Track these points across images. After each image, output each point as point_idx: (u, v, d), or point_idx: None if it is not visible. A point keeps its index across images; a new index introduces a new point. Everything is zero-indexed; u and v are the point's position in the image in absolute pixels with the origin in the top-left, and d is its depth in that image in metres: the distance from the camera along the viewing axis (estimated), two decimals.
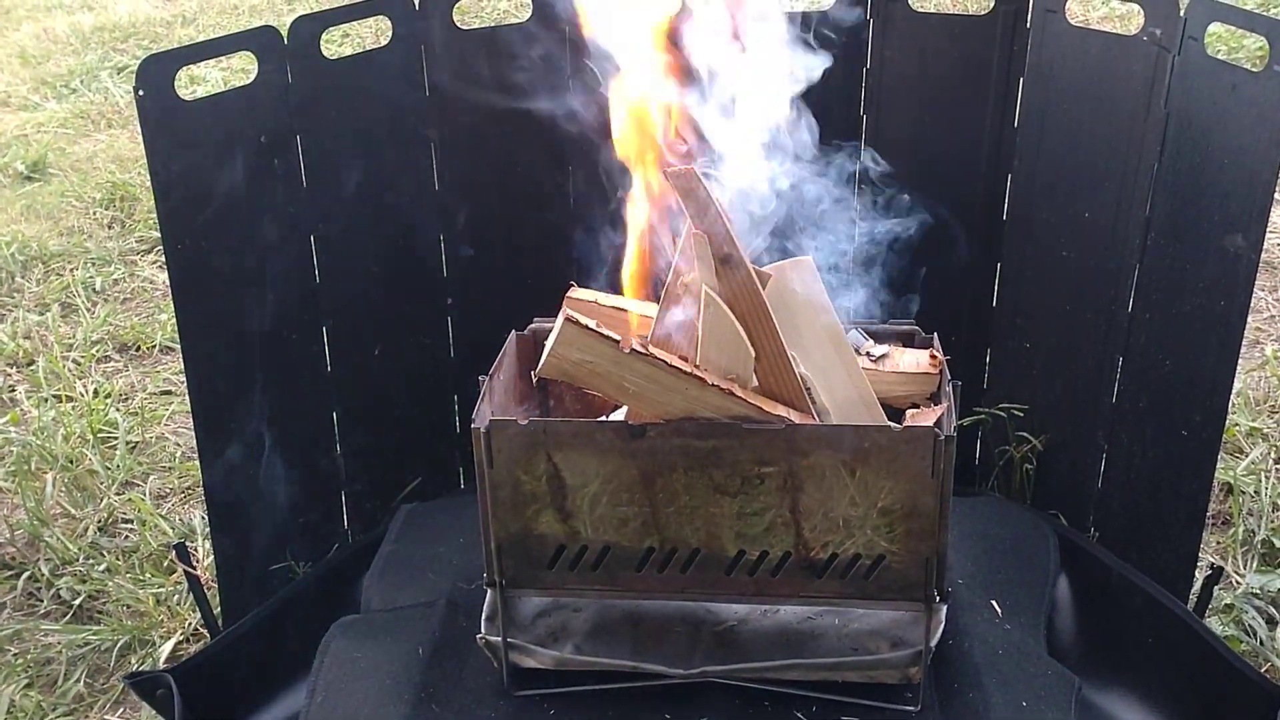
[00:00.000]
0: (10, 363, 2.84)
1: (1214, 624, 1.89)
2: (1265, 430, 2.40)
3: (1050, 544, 1.86)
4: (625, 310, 1.64)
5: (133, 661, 1.97)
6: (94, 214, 3.56)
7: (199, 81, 4.05)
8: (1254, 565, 2.06)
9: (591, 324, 1.42)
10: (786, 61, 1.61)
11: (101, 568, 2.15)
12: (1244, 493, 2.20)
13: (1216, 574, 1.76)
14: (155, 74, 1.58)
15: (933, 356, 1.62)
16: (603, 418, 1.61)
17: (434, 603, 1.74)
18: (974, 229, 1.98)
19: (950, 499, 1.45)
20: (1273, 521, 2.15)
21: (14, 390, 2.74)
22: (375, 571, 1.84)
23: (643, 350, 1.43)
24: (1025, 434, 2.00)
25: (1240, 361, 2.23)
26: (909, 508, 1.45)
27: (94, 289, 3.16)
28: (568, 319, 1.42)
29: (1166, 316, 1.75)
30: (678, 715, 1.53)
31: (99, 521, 2.28)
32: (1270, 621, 1.94)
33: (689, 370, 1.43)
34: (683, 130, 1.56)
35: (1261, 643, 1.89)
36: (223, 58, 1.84)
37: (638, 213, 1.60)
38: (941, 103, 1.93)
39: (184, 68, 1.63)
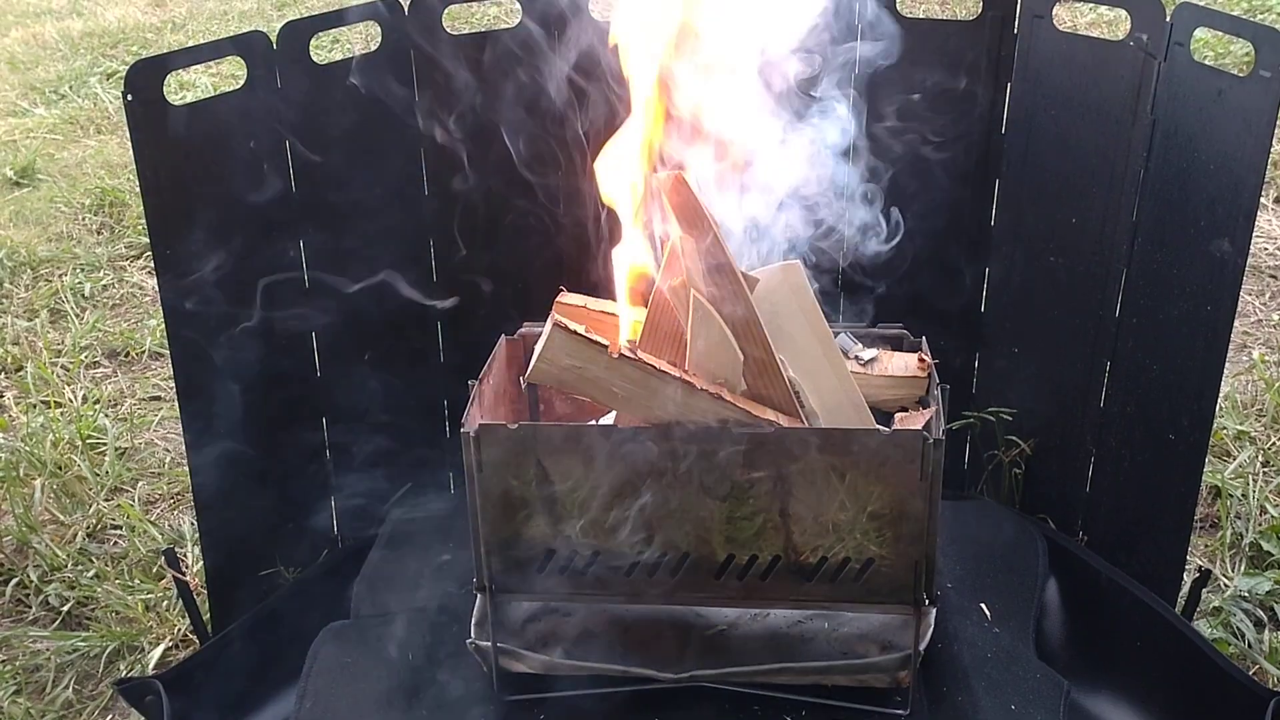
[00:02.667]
0: None
1: (1202, 627, 1.90)
2: (1252, 434, 2.41)
3: (1039, 547, 1.86)
4: (614, 315, 1.65)
5: (122, 668, 1.96)
6: (83, 220, 3.56)
7: (188, 87, 4.05)
8: (1242, 568, 2.07)
9: (580, 329, 1.42)
10: (776, 67, 1.61)
11: (90, 574, 2.15)
12: (1232, 496, 2.21)
13: (1204, 577, 1.77)
14: (144, 79, 1.58)
15: (921, 360, 1.62)
16: (592, 422, 1.62)
17: (424, 608, 1.74)
18: (962, 234, 1.98)
19: (939, 503, 1.45)
20: (1260, 524, 2.16)
21: (2, 396, 2.73)
22: (365, 577, 1.83)
23: (631, 355, 1.43)
24: (1014, 438, 2.01)
25: (1228, 365, 2.24)
26: (898, 511, 1.45)
27: (83, 295, 3.15)
28: (556, 324, 1.42)
29: (1154, 321, 1.76)
30: (667, 719, 1.53)
31: (88, 528, 2.28)
32: (1258, 624, 1.94)
33: (677, 375, 1.43)
34: (672, 132, 1.56)
35: (1249, 645, 1.90)
36: (212, 64, 1.84)
37: (628, 217, 1.60)
38: (929, 108, 1.93)
39: (173, 74, 1.63)
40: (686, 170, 1.52)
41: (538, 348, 1.44)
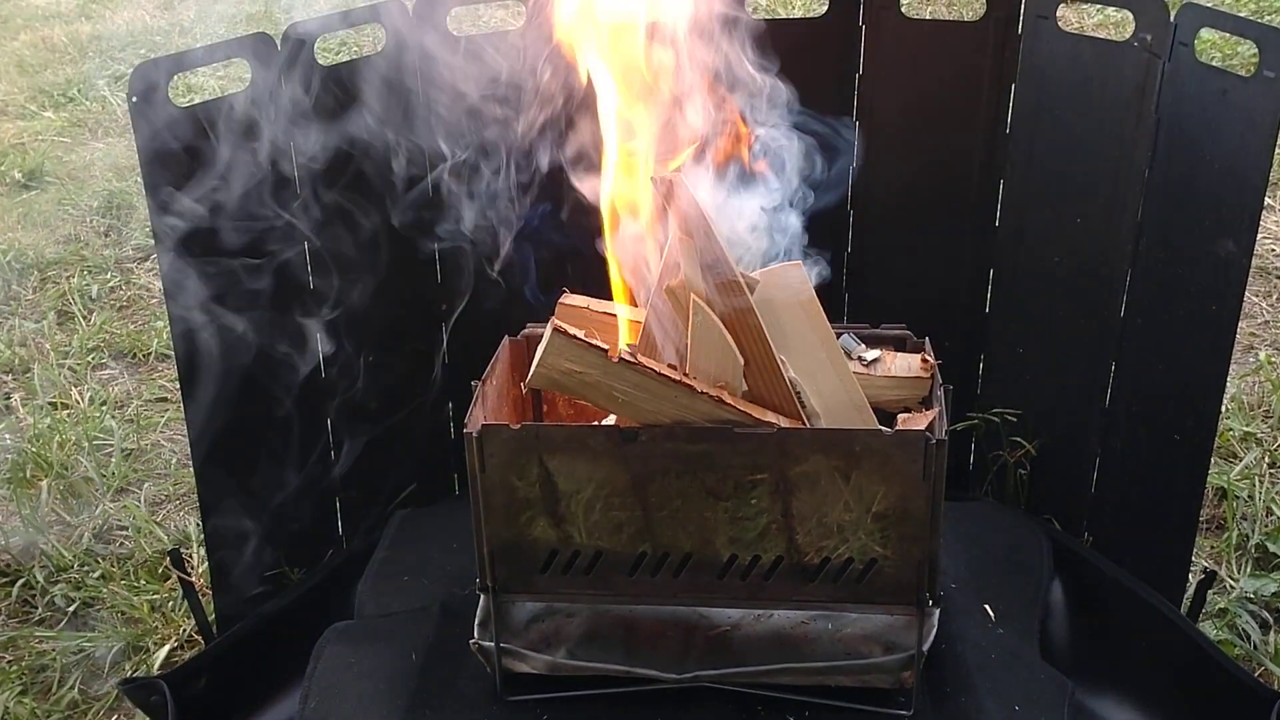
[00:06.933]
0: (6, 370, 2.84)
1: (1207, 628, 1.89)
2: (1259, 435, 2.40)
3: (1043, 548, 1.86)
4: (616, 316, 1.65)
5: (127, 668, 1.97)
6: (90, 222, 3.57)
7: (196, 90, 4.05)
8: (1248, 569, 2.06)
9: (579, 334, 1.42)
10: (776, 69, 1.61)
11: (96, 574, 2.16)
12: (1238, 497, 2.21)
13: (1210, 578, 1.77)
14: (148, 81, 1.59)
15: (924, 361, 1.62)
16: (595, 423, 1.62)
17: (427, 608, 1.74)
18: (967, 234, 1.98)
19: (942, 503, 1.45)
20: (1266, 526, 2.15)
21: (10, 397, 2.74)
22: (369, 577, 1.84)
23: (631, 359, 1.43)
24: (1019, 439, 2.00)
25: (1234, 367, 2.23)
26: (901, 512, 1.45)
27: (90, 296, 3.16)
28: (555, 329, 1.42)
29: (1158, 321, 1.76)
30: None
31: (94, 528, 2.28)
32: (1263, 626, 1.94)
33: (677, 378, 1.43)
34: (672, 135, 1.56)
35: (1255, 647, 1.90)
36: (220, 68, 1.85)
37: (628, 218, 1.60)
38: (934, 109, 1.94)
39: (181, 77, 1.63)
40: (683, 171, 1.52)
41: (537, 353, 1.44)
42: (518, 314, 1.71)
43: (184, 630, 2.00)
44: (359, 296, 1.89)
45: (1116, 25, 4.18)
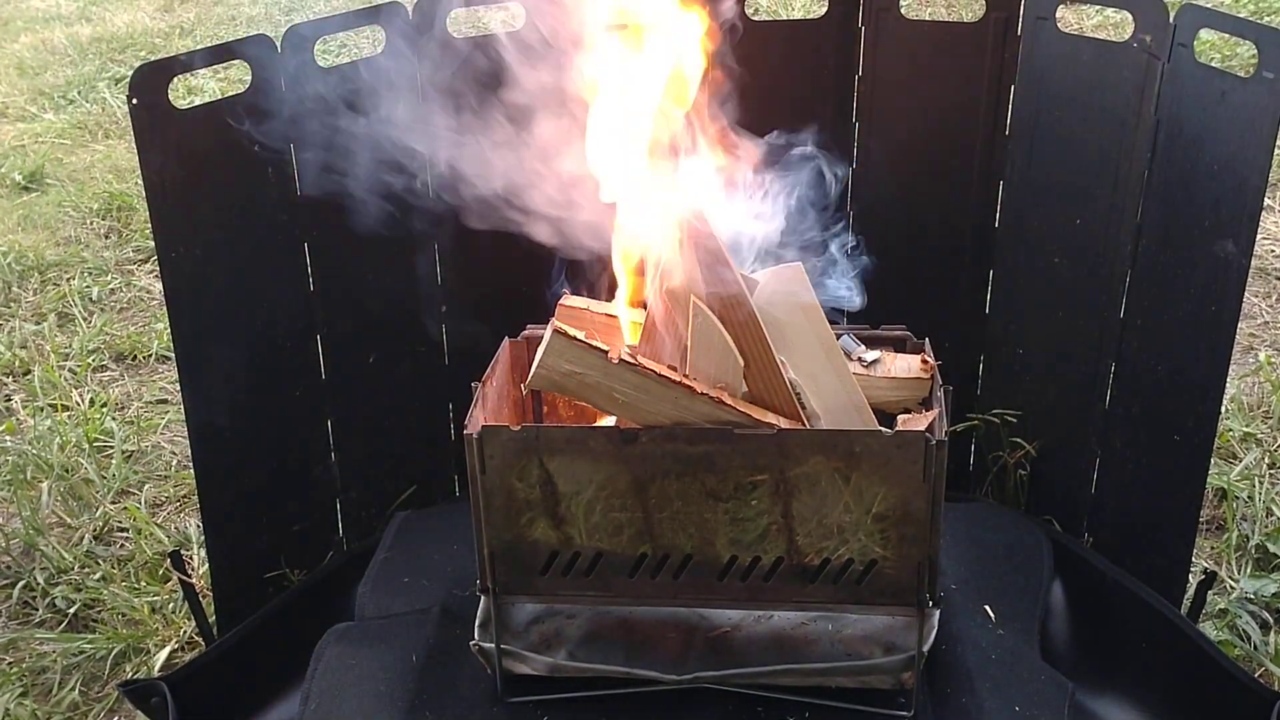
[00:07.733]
0: (7, 372, 2.84)
1: (1208, 629, 1.89)
2: (1259, 435, 2.40)
3: (1044, 549, 1.86)
4: (616, 318, 1.65)
5: (127, 670, 1.97)
6: (91, 224, 3.57)
7: (196, 92, 4.06)
8: (1248, 570, 2.06)
9: (579, 335, 1.42)
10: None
11: (97, 576, 2.16)
12: (1238, 498, 2.21)
13: (1210, 579, 1.77)
14: (149, 83, 1.59)
15: (924, 362, 1.62)
16: (595, 424, 1.62)
17: (428, 610, 1.74)
18: (966, 236, 1.98)
19: (942, 504, 1.45)
20: (1266, 526, 2.15)
21: (10, 400, 2.74)
22: (369, 579, 1.84)
23: (631, 360, 1.43)
24: (1019, 440, 2.00)
25: (1234, 367, 2.23)
26: (901, 513, 1.45)
27: (90, 298, 3.17)
28: (556, 330, 1.42)
29: (1158, 322, 1.76)
30: None
31: (94, 530, 2.29)
32: (1264, 626, 1.94)
33: (677, 379, 1.44)
34: (671, 135, 1.56)
35: (1255, 647, 1.90)
36: (220, 69, 1.85)
37: (629, 219, 1.60)
38: (933, 110, 1.94)
39: (181, 79, 1.63)
40: (683, 173, 1.52)
41: (537, 354, 1.44)
42: (518, 315, 1.71)
43: (184, 632, 2.00)
44: (359, 297, 1.89)
45: (1116, 26, 4.18)
